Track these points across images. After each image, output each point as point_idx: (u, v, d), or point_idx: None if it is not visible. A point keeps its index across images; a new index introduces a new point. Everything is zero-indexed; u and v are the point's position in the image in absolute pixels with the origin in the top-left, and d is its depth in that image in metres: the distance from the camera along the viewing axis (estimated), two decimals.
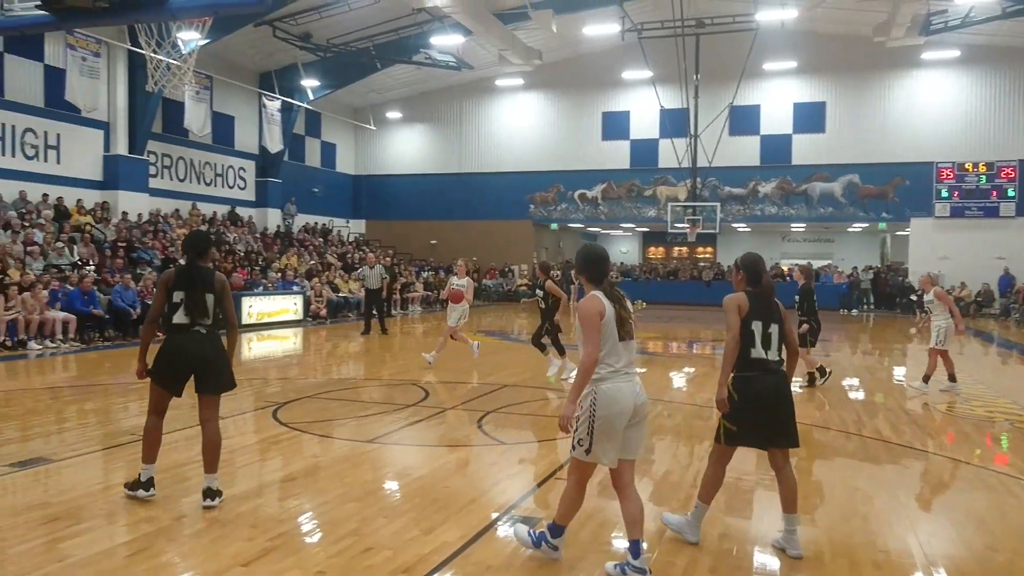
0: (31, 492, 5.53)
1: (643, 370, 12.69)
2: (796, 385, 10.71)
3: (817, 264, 32.15)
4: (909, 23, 22.35)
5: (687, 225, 27.89)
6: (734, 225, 31.88)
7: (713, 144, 27.63)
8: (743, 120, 29.54)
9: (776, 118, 29.87)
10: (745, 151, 30.06)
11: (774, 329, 4.51)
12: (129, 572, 4.04)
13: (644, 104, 30.34)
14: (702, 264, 35.27)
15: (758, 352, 4.48)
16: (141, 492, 5.19)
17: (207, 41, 13.17)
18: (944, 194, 27.77)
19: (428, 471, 6.16)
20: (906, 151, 28.02)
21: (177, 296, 5.13)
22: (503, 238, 32.65)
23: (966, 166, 27.48)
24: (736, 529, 4.97)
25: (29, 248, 16.14)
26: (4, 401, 9.03)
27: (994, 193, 27.27)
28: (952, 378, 10.45)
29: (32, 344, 13.60)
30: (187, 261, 5.31)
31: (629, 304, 4.21)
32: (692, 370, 12.06)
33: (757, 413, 4.48)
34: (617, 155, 31.87)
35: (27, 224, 17.42)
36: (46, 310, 14.06)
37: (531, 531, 4.38)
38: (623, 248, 40.53)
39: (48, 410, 8.58)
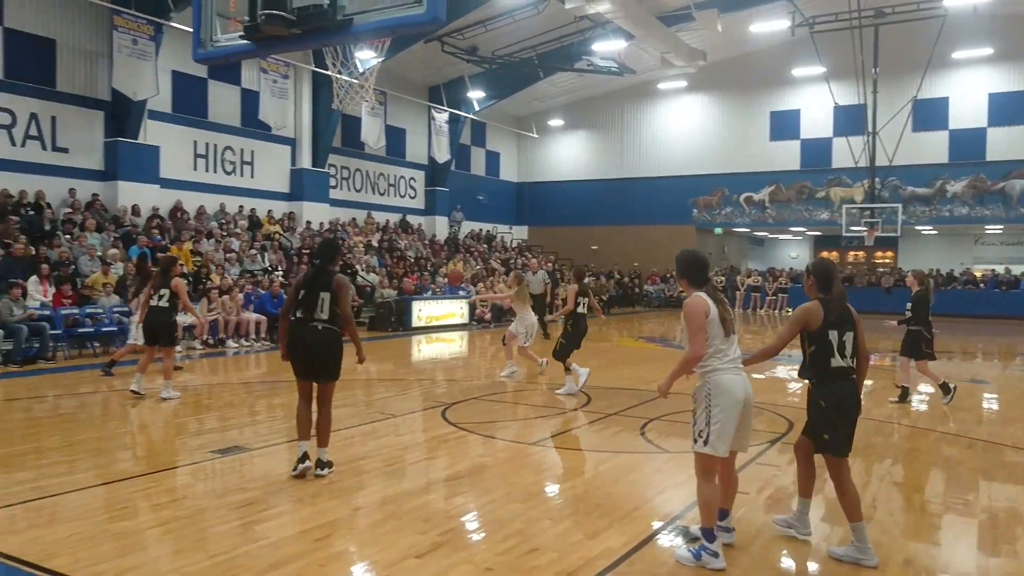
0: (230, 477, 6.09)
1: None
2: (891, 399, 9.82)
3: (1017, 270, 29.23)
4: None
5: (864, 228, 26.18)
6: (918, 228, 29.59)
7: (894, 141, 25.77)
8: (928, 114, 27.37)
9: (967, 111, 27.44)
10: (931, 148, 27.83)
11: (848, 337, 4.48)
12: (314, 557, 4.36)
13: (816, 102, 28.86)
14: (881, 270, 32.97)
15: (838, 361, 4.46)
16: (298, 465, 5.88)
17: (382, 59, 13.95)
18: None
19: (591, 476, 6.20)
20: None
21: (304, 295, 5.89)
22: (664, 243, 32.04)
23: None
24: (923, 556, 4.63)
25: (227, 255, 17.76)
26: (207, 394, 10.00)
27: None
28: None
29: (230, 343, 14.98)
30: (318, 265, 6.04)
31: (729, 307, 4.54)
32: (870, 383, 11.30)
33: (842, 421, 4.50)
34: (786, 156, 30.50)
35: (226, 233, 19.17)
36: (241, 312, 15.43)
37: (691, 549, 4.38)
38: (792, 253, 38.69)
39: (243, 403, 9.42)
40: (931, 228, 30.08)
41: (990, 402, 10.35)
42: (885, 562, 4.44)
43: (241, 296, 15.68)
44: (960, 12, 23.62)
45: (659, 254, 32.24)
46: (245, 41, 6.14)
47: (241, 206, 21.41)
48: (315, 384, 5.96)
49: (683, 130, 32.31)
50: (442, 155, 28.70)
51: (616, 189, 33.34)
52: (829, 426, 4.47)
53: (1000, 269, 29.53)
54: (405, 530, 4.79)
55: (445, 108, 28.35)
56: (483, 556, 4.43)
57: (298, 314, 5.90)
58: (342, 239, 22.67)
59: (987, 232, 31.88)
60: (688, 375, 4.47)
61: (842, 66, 25.81)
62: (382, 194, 27.84)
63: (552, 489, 5.90)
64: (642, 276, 32.67)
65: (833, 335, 4.43)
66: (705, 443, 4.31)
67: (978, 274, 29.60)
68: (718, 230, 32.63)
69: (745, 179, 31.13)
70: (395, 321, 19.41)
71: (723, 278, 30.74)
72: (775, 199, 30.83)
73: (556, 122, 34.48)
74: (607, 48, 25.70)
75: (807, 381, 4.62)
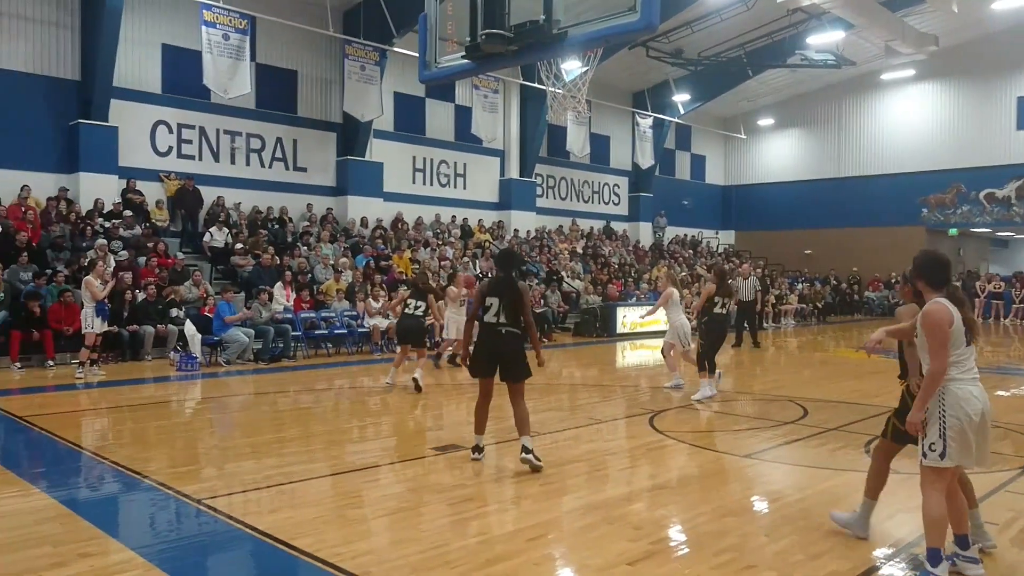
0: (448, 474, 6.44)
1: None
2: None
3: None
4: None
5: None
6: None
7: None
8: None
9: None
10: None
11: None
12: (528, 556, 4.49)
13: None
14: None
15: None
16: (474, 455, 6.58)
17: (590, 69, 14.14)
18: None
19: (809, 493, 5.87)
20: None
21: (488, 301, 6.35)
22: (888, 246, 29.61)
23: None
24: None
25: (442, 263, 18.79)
26: (425, 394, 10.64)
27: None
28: None
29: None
30: (503, 274, 6.52)
31: (971, 309, 4.25)
32: None
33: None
34: None
35: (440, 242, 20.31)
36: None
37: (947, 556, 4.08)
38: None
39: (458, 404, 9.92)
40: None
41: None
42: None
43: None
44: None
45: (882, 258, 29.82)
46: (466, 60, 6.50)
47: (454, 216, 22.58)
48: (507, 384, 6.40)
49: (910, 123, 29.70)
50: (646, 161, 28.49)
51: (832, 189, 31.32)
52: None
53: None
54: (615, 536, 4.82)
55: (649, 113, 28.13)
56: (697, 569, 4.34)
57: (485, 319, 6.37)
58: (548, 246, 23.18)
59: None
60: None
61: None
62: (586, 201, 28.16)
63: (767, 505, 5.66)
64: (862, 282, 30.38)
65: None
66: (941, 456, 4.00)
67: None
68: (953, 231, 29.55)
69: (986, 173, 28.00)
70: (599, 327, 19.54)
71: (958, 284, 27.76)
72: (1023, 195, 27.45)
73: (765, 121, 33.02)
74: (823, 40, 24.24)
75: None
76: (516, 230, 23.55)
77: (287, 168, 19.55)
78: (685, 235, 31.14)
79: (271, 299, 14.37)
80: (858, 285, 30.21)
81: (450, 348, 12.96)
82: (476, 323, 6.67)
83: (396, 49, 19.08)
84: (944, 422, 4.00)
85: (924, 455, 4.08)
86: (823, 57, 25.98)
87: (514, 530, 4.95)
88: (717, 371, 10.38)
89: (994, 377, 12.99)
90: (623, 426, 8.52)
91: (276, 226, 18.09)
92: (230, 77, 16.45)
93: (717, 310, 10.31)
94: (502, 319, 6.29)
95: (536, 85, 21.45)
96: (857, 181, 30.84)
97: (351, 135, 20.01)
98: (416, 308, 10.80)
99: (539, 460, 6.23)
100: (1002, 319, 26.76)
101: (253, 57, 17.87)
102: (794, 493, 5.92)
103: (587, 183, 28.14)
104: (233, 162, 18.64)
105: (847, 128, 31.47)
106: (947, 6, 21.07)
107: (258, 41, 18.51)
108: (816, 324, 25.14)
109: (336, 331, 15.01)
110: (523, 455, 6.24)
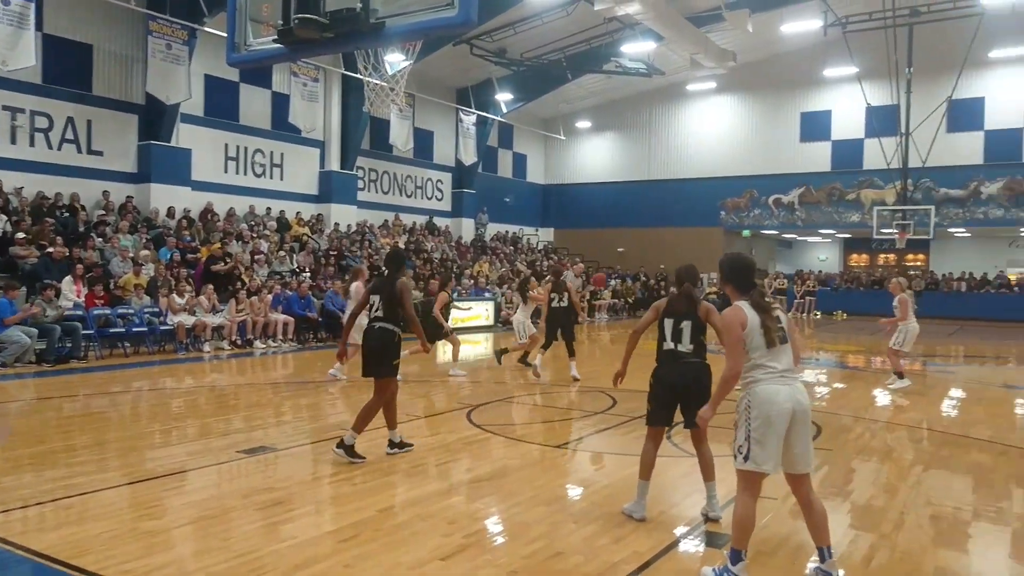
0: (256, 477, 6.14)
1: (843, 385, 11.92)
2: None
3: None
4: None
5: (895, 230, 25.81)
6: (951, 230, 29.06)
7: (927, 142, 25.37)
8: (963, 115, 26.89)
9: (1004, 111, 26.91)
10: (966, 149, 27.35)
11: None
12: (340, 558, 4.38)
13: (847, 102, 28.49)
14: (912, 273, 32.41)
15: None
16: (389, 449, 6.77)
17: (411, 62, 13.99)
18: None
19: (616, 479, 6.17)
20: None
21: (371, 299, 6.69)
22: (692, 245, 31.74)
23: None
24: (955, 564, 4.54)
25: (256, 256, 17.95)
26: (234, 394, 10.12)
27: None
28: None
29: (257, 343, 15.14)
30: (387, 274, 6.87)
31: (781, 314, 4.20)
32: (906, 383, 11.13)
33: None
34: (816, 157, 30.16)
35: (255, 235, 19.38)
36: (269, 313, 15.59)
37: (715, 569, 4.13)
38: (821, 255, 38.21)
39: (269, 403, 9.51)
40: (964, 231, 29.54)
41: (1022, 408, 10.15)
42: (916, 570, 4.37)
43: (270, 297, 15.84)
44: (998, 11, 23.17)
45: (686, 256, 31.44)
46: (278, 45, 6.21)
47: (270, 208, 21.64)
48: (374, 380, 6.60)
49: (712, 131, 32.09)
50: (469, 157, 28.78)
51: (643, 191, 33.20)
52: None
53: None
54: (430, 532, 4.81)
55: (473, 110, 28.42)
56: (508, 559, 4.43)
57: (370, 316, 6.65)
58: (369, 241, 22.81)
59: (1022, 234, 31.23)
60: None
61: (875, 66, 25.47)
62: (409, 196, 27.98)
63: (578, 493, 5.89)
64: (668, 279, 32.43)
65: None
66: (745, 459, 4.03)
67: (1012, 278, 29.04)
68: (746, 232, 32.33)
69: (774, 181, 30.83)
70: (421, 322, 19.45)
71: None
72: (804, 201, 30.50)
73: (584, 124, 34.42)
74: (636, 49, 25.61)
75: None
76: (336, 224, 22.97)
77: (80, 151, 17.80)
78: (506, 232, 31.80)
79: (58, 295, 13.07)
80: (665, 281, 32.21)
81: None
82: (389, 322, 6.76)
83: (207, 29, 17.96)
84: (749, 424, 4.03)
85: (734, 458, 4.13)
86: (636, 65, 27.45)
87: (326, 532, 4.81)
88: (536, 362, 11.00)
89: None
90: (441, 421, 8.54)
91: (66, 214, 16.45)
92: (10, 47, 14.76)
93: (555, 305, 11.50)
94: (378, 314, 6.57)
95: (358, 75, 21.02)
96: (665, 184, 32.88)
97: (155, 118, 18.58)
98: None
99: (402, 449, 6.75)
100: (786, 313, 29.55)
101: (39, 27, 16.13)
102: (602, 480, 6.20)
103: (410, 178, 27.99)
104: (14, 142, 16.72)
105: (657, 133, 33.46)
106: (743, 25, 22.90)
107: (45, 9, 16.74)
108: (628, 318, 26.54)
109: (135, 329, 13.89)
110: (387, 449, 6.71)
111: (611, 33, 25.17)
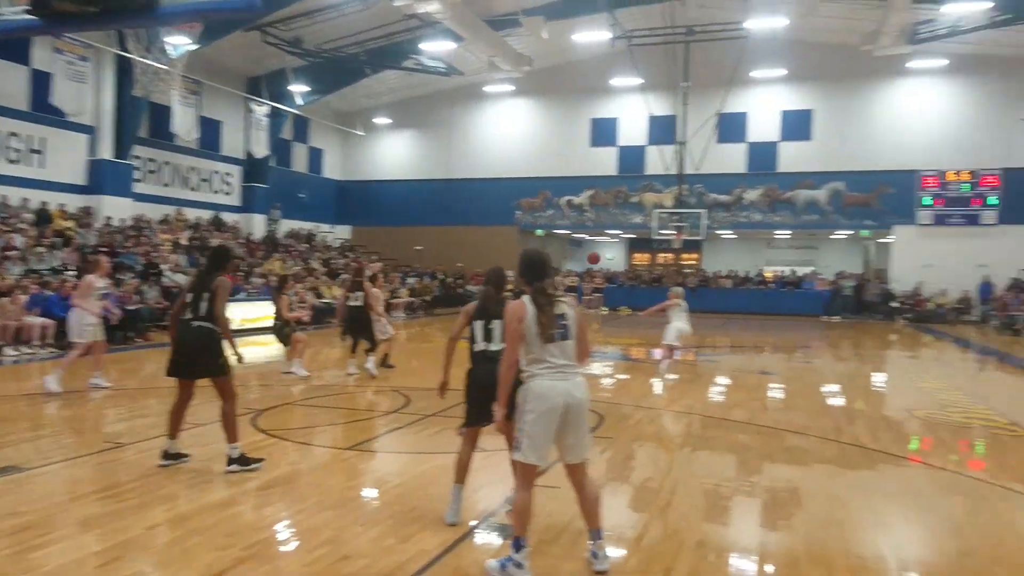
0: (2, 501, 5.46)
1: (626, 376, 12.70)
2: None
3: (801, 271, 32.45)
4: (897, 32, 22.55)
5: (673, 232, 27.99)
6: (719, 232, 31.99)
7: (700, 151, 27.75)
8: (730, 127, 29.69)
9: (763, 126, 30.04)
10: (732, 158, 30.21)
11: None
12: None
13: (632, 111, 30.47)
14: (687, 270, 35.35)
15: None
16: (162, 461, 6.26)
17: (197, 46, 13.10)
18: (927, 202, 28.01)
19: (407, 478, 6.14)
20: (890, 159, 28.22)
21: (188, 296, 6.26)
22: (488, 244, 32.59)
23: (949, 174, 27.73)
24: (715, 535, 4.97)
25: (8, 253, 15.99)
26: None
27: (976, 201, 27.51)
28: None
29: (8, 351, 13.42)
30: (207, 271, 6.40)
31: (565, 308, 4.25)
32: (675, 376, 12.07)
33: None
34: (605, 161, 31.97)
35: (7, 228, 17.26)
36: (24, 315, 13.92)
37: (500, 560, 4.22)
38: (609, 255, 40.54)
39: (22, 417, 8.49)
40: (731, 232, 32.64)
41: (776, 391, 11.36)
42: (681, 544, 4.73)
43: (24, 298, 14.15)
44: (760, 35, 25.80)
45: (482, 254, 32.67)
46: (32, 16, 5.55)
47: (26, 198, 19.36)
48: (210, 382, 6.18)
49: (509, 133, 33.00)
50: (260, 150, 27.50)
51: (442, 190, 33.47)
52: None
53: (787, 271, 32.65)
54: (205, 547, 4.51)
55: (265, 101, 27.18)
56: (291, 568, 4.26)
57: (184, 316, 6.20)
58: (147, 236, 21.11)
59: (777, 237, 35.02)
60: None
61: (657, 79, 27.44)
62: (194, 189, 26.22)
63: (366, 494, 5.79)
64: (466, 276, 33.00)
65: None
66: (517, 450, 4.18)
67: (769, 275, 32.50)
68: (539, 232, 33.64)
69: (566, 183, 32.28)
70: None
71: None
72: (594, 203, 32.20)
73: (383, 120, 34.07)
74: (436, 48, 25.74)
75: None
76: (109, 217, 20.99)
77: None
78: (301, 229, 30.75)
79: None
80: (462, 279, 32.72)
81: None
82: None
83: None
84: (523, 418, 4.15)
85: (512, 449, 4.29)
86: (435, 64, 27.60)
87: (86, 555, 4.36)
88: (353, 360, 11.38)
89: None
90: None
91: None
92: None
93: (352, 303, 11.54)
94: (199, 313, 6.15)
95: (135, 57, 19.36)
96: (463, 183, 33.36)
97: None
98: None
99: (247, 466, 6.14)
100: None
101: None
102: (392, 480, 6.14)
103: (195, 170, 26.22)
104: None
105: (456, 133, 33.84)
106: (539, 32, 23.77)
107: None
108: (424, 316, 26.63)
109: None
110: (228, 467, 6.12)
111: (411, 30, 25.11)
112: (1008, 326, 23.61)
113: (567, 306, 4.29)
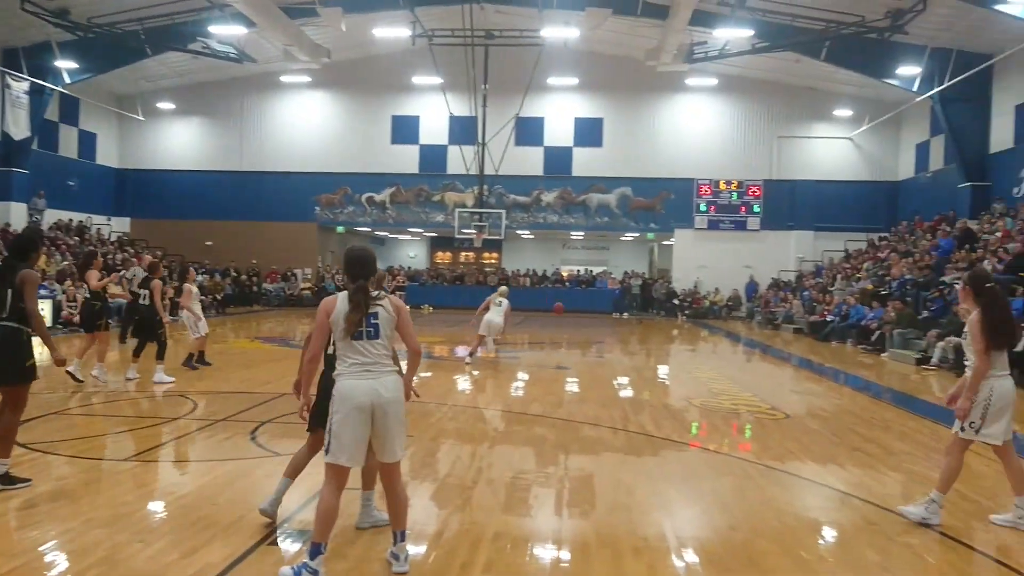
0: None
1: (428, 374, 12.73)
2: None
3: (596, 270, 34.34)
4: (675, 51, 24.43)
5: (473, 231, 28.48)
6: (518, 232, 33.03)
7: (500, 153, 28.44)
8: (528, 131, 30.71)
9: (559, 131, 31.36)
10: (530, 161, 31.26)
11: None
12: None
13: (434, 110, 30.59)
14: (488, 269, 36.18)
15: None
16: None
17: None
18: (703, 208, 30.63)
19: (193, 488, 5.74)
20: (672, 167, 30.57)
21: None
22: (286, 240, 31.49)
23: (720, 183, 30.51)
24: (512, 526, 5.09)
25: None
26: None
27: (743, 208, 30.50)
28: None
29: None
30: (7, 262, 5.73)
31: (379, 308, 4.17)
32: (477, 373, 12.29)
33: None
34: (406, 159, 31.86)
35: None
36: None
37: (294, 567, 4.04)
38: (411, 253, 40.58)
39: None
40: (529, 233, 33.81)
41: (571, 385, 11.90)
42: (480, 536, 4.80)
43: None
44: (554, 44, 26.88)
45: (279, 251, 31.54)
46: None
47: None
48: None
49: (307, 126, 31.93)
50: (20, 131, 24.51)
51: (235, 182, 31.73)
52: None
53: (581, 270, 34.40)
54: None
55: (25, 76, 24.28)
56: None
57: None
58: None
59: (572, 238, 36.81)
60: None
61: (458, 79, 27.72)
62: None
63: (147, 508, 5.33)
64: (261, 274, 31.57)
65: None
66: (327, 451, 4.11)
67: (565, 274, 34.04)
68: (340, 229, 32.91)
69: (368, 179, 31.82)
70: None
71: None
72: (396, 200, 32.01)
73: (167, 105, 31.63)
74: (226, 32, 24.29)
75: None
76: None
77: None
78: (70, 220, 27.78)
79: None
80: (257, 277, 31.26)
81: None
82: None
83: None
84: (331, 418, 4.08)
85: (325, 451, 4.16)
86: (225, 49, 26.05)
87: None
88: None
89: None
90: None
91: None
92: None
93: (141, 302, 11.25)
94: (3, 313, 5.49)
95: None
96: (258, 176, 31.82)
97: None
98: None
99: (12, 485, 5.45)
100: None
101: None
102: (176, 491, 5.71)
103: None
104: None
105: (250, 123, 32.19)
106: (337, 23, 23.14)
107: None
108: (216, 315, 25.11)
109: None
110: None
111: (197, 11, 23.52)
112: (770, 321, 26.39)
113: (382, 306, 4.19)
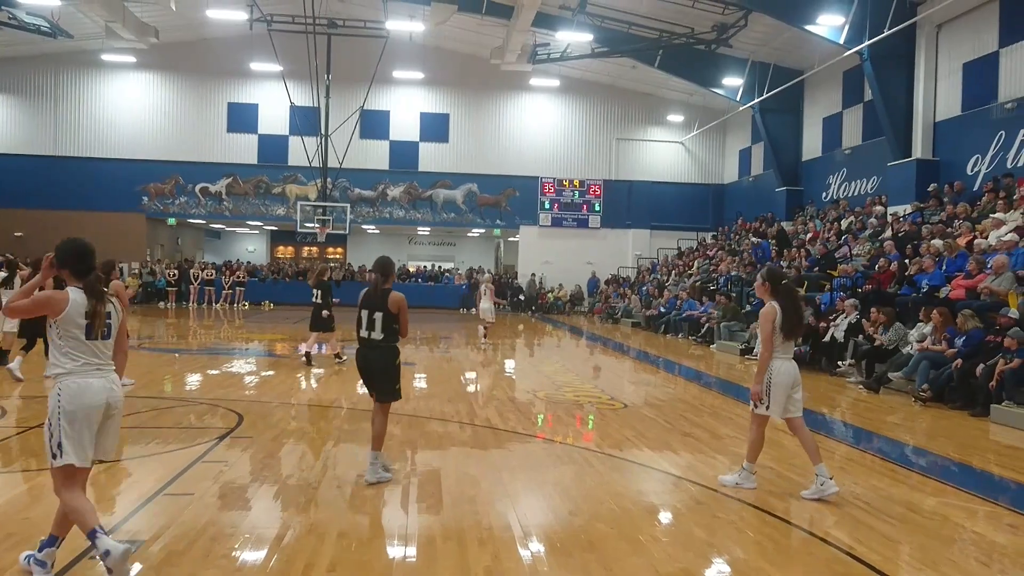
0: None
1: (270, 373, 12.27)
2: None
3: (445, 266, 34.39)
4: (519, 51, 24.89)
5: (317, 225, 27.71)
6: (364, 227, 32.49)
7: (344, 145, 27.83)
8: (374, 124, 30.26)
9: (405, 125, 31.13)
10: (375, 155, 30.83)
11: None
12: None
13: (274, 99, 29.46)
14: (332, 264, 35.33)
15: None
16: None
17: None
18: (547, 205, 31.45)
19: (2, 502, 5.22)
20: (517, 165, 31.17)
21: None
22: (111, 232, 29.14)
23: (563, 182, 31.44)
24: (358, 524, 5.01)
25: None
26: None
27: (584, 207, 31.60)
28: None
29: None
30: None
31: (113, 306, 4.11)
32: (320, 371, 11.97)
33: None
34: (244, 149, 30.53)
35: None
36: None
37: (26, 554, 4.03)
38: (250, 247, 38.91)
39: None
40: (374, 227, 33.33)
41: (418, 381, 11.85)
42: (322, 538, 4.68)
43: None
44: (399, 37, 26.62)
45: (103, 244, 28.84)
46: None
47: None
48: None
49: (132, 109, 29.85)
50: None
51: (50, 168, 29.14)
52: None
53: (428, 265, 34.36)
54: None
55: None
56: None
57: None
58: None
59: (419, 233, 36.67)
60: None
61: (299, 68, 26.77)
62: None
63: None
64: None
65: None
66: (62, 455, 3.88)
67: (412, 269, 33.87)
68: (171, 220, 31.03)
69: (202, 169, 30.20)
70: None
71: (176, 271, 29.36)
72: (232, 191, 30.59)
73: None
74: (37, 3, 22.20)
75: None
76: None
77: None
78: None
79: None
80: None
81: None
82: None
83: None
84: (61, 420, 3.89)
85: (53, 457, 3.90)
86: (36, 22, 23.81)
87: None
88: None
89: (203, 358, 14.05)
90: None
91: None
92: None
93: None
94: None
95: None
96: (76, 161, 29.39)
97: None
98: None
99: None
100: (214, 303, 29.35)
101: None
102: None
103: None
104: None
105: (66, 104, 29.64)
106: (167, 2, 21.76)
107: None
108: None
109: None
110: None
111: None
112: (610, 316, 27.50)
113: (112, 304, 4.12)
